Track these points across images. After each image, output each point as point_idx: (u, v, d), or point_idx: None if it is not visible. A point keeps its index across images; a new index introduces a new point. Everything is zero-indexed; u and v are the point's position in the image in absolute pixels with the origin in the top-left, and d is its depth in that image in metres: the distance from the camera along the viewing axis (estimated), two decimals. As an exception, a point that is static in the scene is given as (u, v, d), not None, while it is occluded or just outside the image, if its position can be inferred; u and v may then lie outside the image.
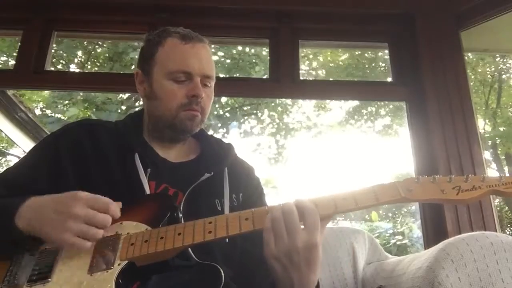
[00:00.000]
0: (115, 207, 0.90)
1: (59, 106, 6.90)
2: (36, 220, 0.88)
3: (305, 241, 0.81)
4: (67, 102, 6.84)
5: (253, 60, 6.85)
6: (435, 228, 1.91)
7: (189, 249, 0.96)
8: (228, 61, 7.07)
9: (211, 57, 1.17)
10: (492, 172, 8.54)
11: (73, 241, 0.85)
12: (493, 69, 8.86)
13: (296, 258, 0.81)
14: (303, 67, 7.96)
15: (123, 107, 6.94)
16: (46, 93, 7.08)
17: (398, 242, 7.28)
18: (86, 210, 0.86)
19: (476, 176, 0.84)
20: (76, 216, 0.85)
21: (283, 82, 2.17)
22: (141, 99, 1.23)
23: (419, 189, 0.85)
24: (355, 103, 9.29)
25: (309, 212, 0.83)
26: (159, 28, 1.18)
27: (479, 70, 8.50)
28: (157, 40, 1.14)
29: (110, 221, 0.89)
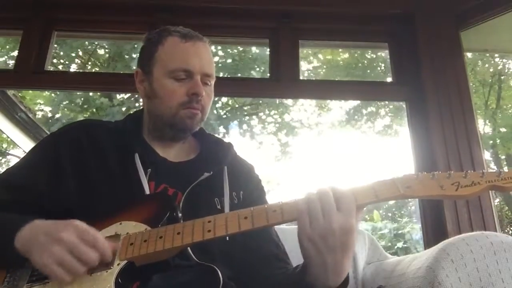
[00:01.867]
0: (105, 246, 0.83)
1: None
2: (28, 241, 0.85)
3: (341, 223, 0.79)
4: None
5: (255, 65, 6.85)
6: (435, 228, 1.91)
7: (189, 248, 0.96)
8: (229, 60, 7.07)
9: (211, 55, 1.17)
10: (492, 172, 8.50)
11: (52, 268, 0.80)
12: (492, 69, 8.86)
13: (331, 241, 0.79)
14: (303, 67, 7.96)
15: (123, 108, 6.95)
16: (47, 94, 7.09)
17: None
18: (74, 238, 0.81)
19: (475, 172, 0.84)
20: (61, 242, 0.80)
21: (283, 82, 2.17)
22: (141, 99, 1.23)
23: (418, 186, 0.85)
24: (355, 103, 9.30)
25: (345, 196, 0.82)
26: (159, 28, 1.18)
27: (478, 69, 8.49)
28: (157, 39, 1.14)
29: (94, 260, 0.81)
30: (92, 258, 0.82)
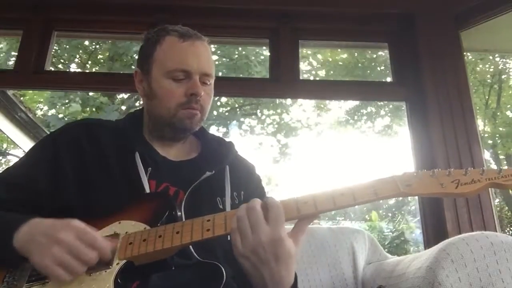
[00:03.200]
0: (104, 245, 0.84)
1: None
2: (27, 242, 0.85)
3: (269, 235, 0.81)
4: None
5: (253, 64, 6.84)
6: (435, 228, 1.91)
7: (191, 247, 0.96)
8: (224, 59, 7.06)
9: (210, 55, 1.16)
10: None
11: (52, 268, 0.80)
12: (492, 69, 8.86)
13: (262, 254, 0.81)
14: (303, 67, 7.96)
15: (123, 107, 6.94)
16: (47, 93, 7.09)
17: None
18: (73, 239, 0.82)
19: (475, 169, 0.84)
20: (61, 242, 0.81)
21: (283, 82, 2.17)
22: (141, 98, 1.23)
23: (418, 184, 0.84)
24: (355, 103, 9.30)
25: (272, 206, 0.83)
26: (158, 27, 1.18)
27: (478, 69, 8.49)
28: (156, 38, 1.13)
29: (93, 259, 0.82)
30: (91, 258, 0.82)
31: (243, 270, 0.86)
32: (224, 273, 0.88)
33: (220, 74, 6.61)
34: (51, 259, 0.81)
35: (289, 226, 0.89)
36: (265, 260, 0.81)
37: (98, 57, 7.42)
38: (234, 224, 0.84)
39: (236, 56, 7.02)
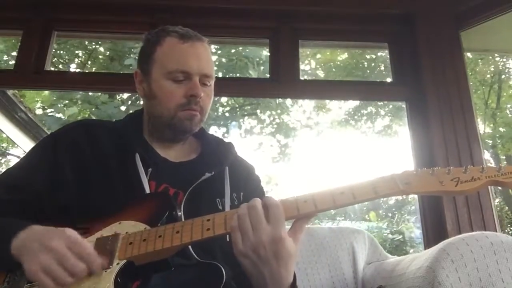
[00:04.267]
0: (94, 259, 0.83)
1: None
2: (21, 247, 0.85)
3: (270, 234, 0.81)
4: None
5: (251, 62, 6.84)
6: (435, 228, 1.91)
7: (190, 248, 0.96)
8: (223, 59, 7.06)
9: (210, 56, 1.16)
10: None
11: (39, 276, 0.80)
12: (492, 69, 8.86)
13: (263, 253, 0.81)
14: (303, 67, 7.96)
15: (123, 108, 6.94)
16: (46, 93, 7.08)
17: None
18: (62, 248, 0.81)
19: (475, 167, 0.84)
20: (50, 251, 0.81)
21: (283, 82, 2.17)
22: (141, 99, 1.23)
23: (417, 182, 0.84)
24: (355, 103, 9.29)
25: (272, 206, 0.83)
26: (158, 27, 1.18)
27: (478, 69, 8.49)
28: (156, 39, 1.13)
29: (82, 271, 0.81)
30: (80, 270, 0.81)
31: (242, 270, 0.86)
32: (224, 273, 0.88)
33: (220, 74, 6.61)
34: (39, 266, 0.80)
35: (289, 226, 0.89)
36: (266, 259, 0.81)
37: (99, 57, 7.42)
38: (235, 223, 0.84)
39: (234, 54, 7.01)
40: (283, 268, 0.83)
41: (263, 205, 0.84)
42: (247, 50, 6.76)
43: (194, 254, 0.96)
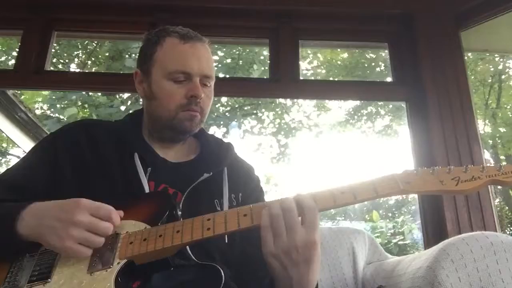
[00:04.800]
0: (116, 215, 0.89)
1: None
2: (37, 227, 0.86)
3: (304, 239, 0.80)
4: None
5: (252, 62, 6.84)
6: (435, 228, 1.91)
7: (188, 250, 0.96)
8: (228, 60, 7.06)
9: (211, 56, 1.16)
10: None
11: (76, 248, 0.84)
12: (492, 69, 8.85)
13: (295, 257, 0.80)
14: (303, 66, 7.96)
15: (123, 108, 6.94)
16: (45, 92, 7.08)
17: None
18: (89, 217, 0.85)
19: (475, 166, 0.84)
20: (79, 224, 0.84)
21: (283, 82, 2.17)
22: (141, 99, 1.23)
23: (418, 181, 0.84)
24: (355, 103, 9.29)
25: (309, 209, 0.82)
26: (158, 27, 1.18)
27: (478, 69, 8.49)
28: (156, 39, 1.13)
29: (112, 229, 0.87)
30: (110, 229, 0.87)
31: (269, 269, 0.84)
32: (223, 274, 0.88)
33: (220, 74, 6.61)
34: (72, 240, 0.83)
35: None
36: (296, 263, 0.80)
37: (99, 57, 7.42)
38: (266, 222, 0.82)
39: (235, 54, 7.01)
40: (311, 273, 0.82)
41: (297, 205, 0.83)
42: (250, 51, 6.77)
43: (192, 255, 0.96)
